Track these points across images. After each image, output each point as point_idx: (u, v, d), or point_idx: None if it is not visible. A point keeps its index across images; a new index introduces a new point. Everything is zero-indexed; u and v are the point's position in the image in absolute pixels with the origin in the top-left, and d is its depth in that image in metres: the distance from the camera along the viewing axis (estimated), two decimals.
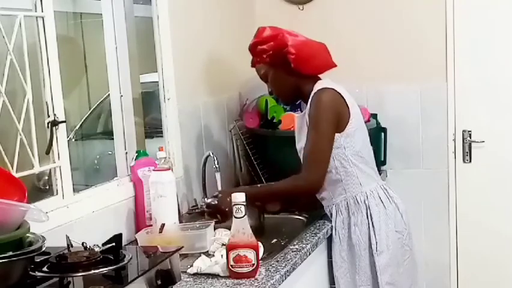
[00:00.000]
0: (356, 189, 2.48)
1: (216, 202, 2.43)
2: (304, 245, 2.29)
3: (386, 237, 2.45)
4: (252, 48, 2.55)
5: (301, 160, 2.47)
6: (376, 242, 2.44)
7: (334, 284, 2.60)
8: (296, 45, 2.46)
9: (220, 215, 2.41)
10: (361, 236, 2.46)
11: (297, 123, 2.61)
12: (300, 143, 2.53)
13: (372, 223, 2.45)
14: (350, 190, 2.48)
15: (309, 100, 2.44)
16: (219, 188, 2.66)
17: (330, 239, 2.59)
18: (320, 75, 2.53)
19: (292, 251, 2.23)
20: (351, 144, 2.44)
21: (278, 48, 2.47)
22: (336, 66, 2.53)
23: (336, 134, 2.42)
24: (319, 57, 2.51)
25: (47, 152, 2.07)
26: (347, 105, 2.44)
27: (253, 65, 2.61)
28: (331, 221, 2.56)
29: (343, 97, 2.44)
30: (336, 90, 2.43)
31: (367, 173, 2.51)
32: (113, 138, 2.68)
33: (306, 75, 2.49)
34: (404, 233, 2.52)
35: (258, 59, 2.54)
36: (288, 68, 2.47)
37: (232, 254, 1.95)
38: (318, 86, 2.45)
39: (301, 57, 2.46)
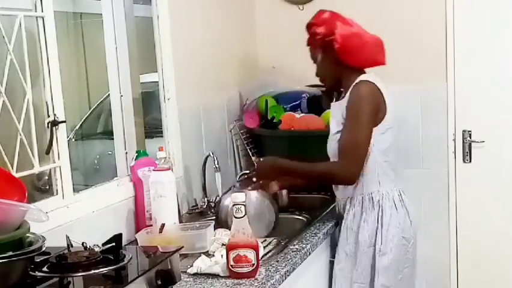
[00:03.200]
0: (374, 187, 2.48)
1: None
2: (304, 245, 2.29)
3: (392, 240, 2.45)
4: (307, 28, 2.55)
5: (338, 151, 2.45)
6: (381, 243, 2.44)
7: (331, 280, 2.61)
8: (344, 35, 2.46)
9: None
10: (368, 234, 2.46)
11: (333, 111, 2.59)
12: (333, 130, 2.53)
13: (382, 224, 2.45)
14: (368, 187, 2.47)
15: (349, 91, 2.45)
16: (219, 188, 2.66)
17: (333, 235, 2.61)
18: (365, 69, 2.53)
19: (292, 251, 2.23)
20: (381, 142, 2.44)
21: (327, 34, 2.47)
22: (384, 64, 2.53)
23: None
24: (367, 51, 2.50)
25: (47, 152, 2.07)
26: (385, 102, 2.44)
27: (307, 44, 2.60)
28: (337, 216, 2.59)
29: (382, 94, 2.44)
30: (376, 86, 2.43)
31: (387, 173, 2.50)
32: (113, 138, 2.68)
33: (350, 66, 2.49)
34: (410, 241, 2.50)
35: (311, 40, 2.55)
36: (334, 55, 2.47)
37: (232, 254, 1.95)
38: (361, 77, 2.46)
39: (347, 48, 2.46)
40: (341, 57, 2.46)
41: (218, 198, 2.69)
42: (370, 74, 2.50)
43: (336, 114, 2.53)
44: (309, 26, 2.54)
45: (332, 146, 2.50)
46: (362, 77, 2.46)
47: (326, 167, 2.50)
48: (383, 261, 2.43)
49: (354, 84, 2.43)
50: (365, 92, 2.41)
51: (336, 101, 2.58)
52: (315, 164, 2.52)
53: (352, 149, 2.40)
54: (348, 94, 2.45)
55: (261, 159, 2.54)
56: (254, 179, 2.58)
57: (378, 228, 2.45)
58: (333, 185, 2.62)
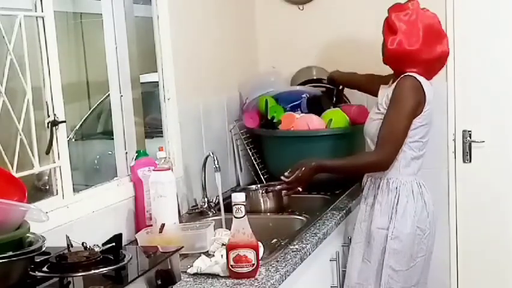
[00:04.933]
0: (393, 174, 2.57)
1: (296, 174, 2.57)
2: (304, 245, 2.29)
3: (405, 227, 2.53)
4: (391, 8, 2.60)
5: (377, 137, 2.54)
6: (394, 227, 2.52)
7: (336, 285, 2.63)
8: (400, 43, 2.53)
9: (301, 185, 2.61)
10: (381, 216, 2.56)
11: (380, 95, 2.66)
12: (372, 114, 2.65)
13: (396, 210, 2.54)
14: (388, 172, 2.57)
15: (395, 83, 2.54)
16: (219, 188, 2.66)
17: (336, 234, 2.66)
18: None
19: (292, 251, 2.23)
20: (410, 136, 2.53)
21: (388, 28, 2.56)
22: (430, 79, 2.61)
23: None
24: (416, 66, 2.55)
25: (47, 152, 2.07)
26: (425, 100, 2.52)
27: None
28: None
29: (425, 93, 2.51)
30: (421, 83, 2.51)
31: (410, 166, 2.58)
32: (113, 138, 2.68)
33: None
34: (426, 232, 2.58)
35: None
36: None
37: (232, 254, 1.95)
38: (409, 72, 2.54)
39: (393, 57, 2.57)
40: (385, 60, 2.61)
41: (217, 198, 2.70)
42: (418, 74, 2.56)
43: (380, 97, 2.63)
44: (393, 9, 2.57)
45: (370, 125, 2.63)
46: (411, 73, 2.54)
47: (363, 160, 2.66)
48: (393, 245, 2.52)
49: (402, 76, 2.52)
50: (409, 85, 2.51)
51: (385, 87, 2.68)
52: (353, 159, 2.70)
53: (390, 137, 2.51)
54: (394, 84, 2.54)
55: (301, 164, 2.58)
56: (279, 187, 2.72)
57: (393, 214, 2.53)
58: None
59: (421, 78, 2.53)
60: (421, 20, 2.55)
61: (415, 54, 2.53)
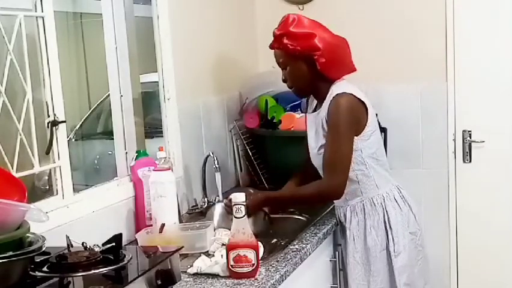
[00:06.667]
0: (373, 192, 2.47)
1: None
2: (304, 245, 2.29)
3: (403, 239, 2.46)
4: (278, 37, 2.43)
5: (322, 166, 2.43)
6: (394, 244, 2.44)
7: (336, 284, 2.62)
8: (328, 51, 2.39)
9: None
10: (378, 238, 2.45)
11: (310, 122, 2.55)
12: (314, 144, 2.50)
13: (390, 225, 2.45)
14: (367, 192, 2.47)
15: (328, 104, 2.39)
16: (219, 188, 2.66)
17: (333, 235, 2.62)
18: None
19: (292, 251, 2.23)
20: (368, 147, 2.43)
21: (309, 49, 2.38)
22: (355, 70, 2.50)
23: (354, 138, 2.40)
24: (344, 62, 2.47)
25: (47, 152, 2.07)
26: (366, 108, 2.43)
27: (272, 47, 2.50)
28: (338, 223, 2.59)
29: (362, 102, 2.42)
30: (354, 96, 2.39)
31: (383, 174, 2.50)
32: (113, 138, 2.68)
33: (326, 77, 2.44)
34: (417, 234, 2.53)
35: (281, 47, 2.43)
36: (311, 66, 2.41)
37: (232, 254, 1.95)
38: (335, 88, 2.41)
39: (330, 64, 2.41)
40: (322, 72, 2.41)
41: (217, 198, 2.70)
42: (342, 83, 2.46)
43: (313, 126, 2.51)
44: (281, 36, 2.42)
45: (318, 159, 2.48)
46: (337, 87, 2.42)
47: (312, 190, 2.45)
48: (400, 262, 2.44)
49: (332, 98, 2.39)
50: (344, 105, 2.36)
51: (312, 112, 2.55)
52: (301, 189, 2.53)
53: (335, 164, 2.38)
54: (326, 106, 2.41)
55: (250, 195, 2.44)
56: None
57: (388, 231, 2.45)
58: None
59: (352, 90, 2.40)
60: (316, 29, 2.44)
61: (338, 47, 2.44)
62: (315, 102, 2.57)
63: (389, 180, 2.53)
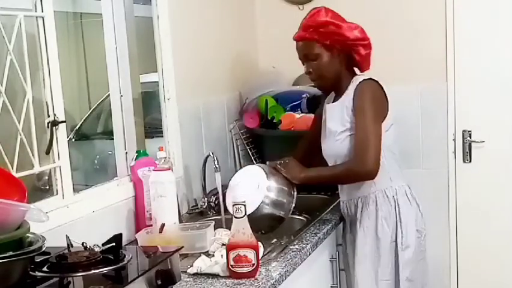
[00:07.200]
0: (386, 183, 2.48)
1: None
2: (304, 245, 2.29)
3: (411, 233, 2.48)
4: (316, 27, 2.42)
5: (354, 147, 2.41)
6: (402, 237, 2.46)
7: (336, 284, 2.62)
8: (367, 44, 2.48)
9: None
10: (388, 230, 2.47)
11: (330, 112, 2.53)
12: (336, 129, 2.47)
13: (400, 218, 2.47)
14: (380, 183, 2.47)
15: (353, 90, 2.43)
16: (219, 188, 2.66)
17: (334, 234, 2.62)
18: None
19: (292, 251, 2.23)
20: (387, 138, 2.44)
21: (355, 39, 2.44)
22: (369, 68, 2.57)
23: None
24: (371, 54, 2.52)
25: (47, 152, 2.07)
26: (387, 100, 2.47)
27: (303, 39, 2.47)
28: (340, 217, 2.60)
29: (384, 92, 2.46)
30: (379, 84, 2.45)
31: (396, 169, 2.52)
32: (113, 138, 2.68)
33: (352, 69, 2.51)
34: (422, 234, 2.54)
35: (317, 37, 2.42)
36: (345, 57, 2.47)
37: (232, 254, 1.95)
38: (358, 78, 2.47)
39: (368, 55, 2.49)
40: (360, 63, 2.48)
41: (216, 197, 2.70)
42: (363, 75, 2.51)
43: (335, 115, 2.50)
44: (321, 26, 2.42)
45: (336, 147, 2.48)
46: (359, 77, 2.47)
47: (345, 167, 2.44)
48: (406, 255, 2.46)
49: (358, 82, 2.43)
50: (371, 89, 2.42)
51: (332, 102, 2.56)
52: (334, 167, 2.51)
53: (367, 144, 2.36)
54: (351, 93, 2.44)
55: (288, 160, 2.47)
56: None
57: (398, 223, 2.46)
58: (339, 186, 2.63)
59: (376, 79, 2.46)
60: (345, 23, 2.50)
61: (369, 40, 2.51)
62: (332, 96, 2.59)
63: (401, 176, 2.55)
